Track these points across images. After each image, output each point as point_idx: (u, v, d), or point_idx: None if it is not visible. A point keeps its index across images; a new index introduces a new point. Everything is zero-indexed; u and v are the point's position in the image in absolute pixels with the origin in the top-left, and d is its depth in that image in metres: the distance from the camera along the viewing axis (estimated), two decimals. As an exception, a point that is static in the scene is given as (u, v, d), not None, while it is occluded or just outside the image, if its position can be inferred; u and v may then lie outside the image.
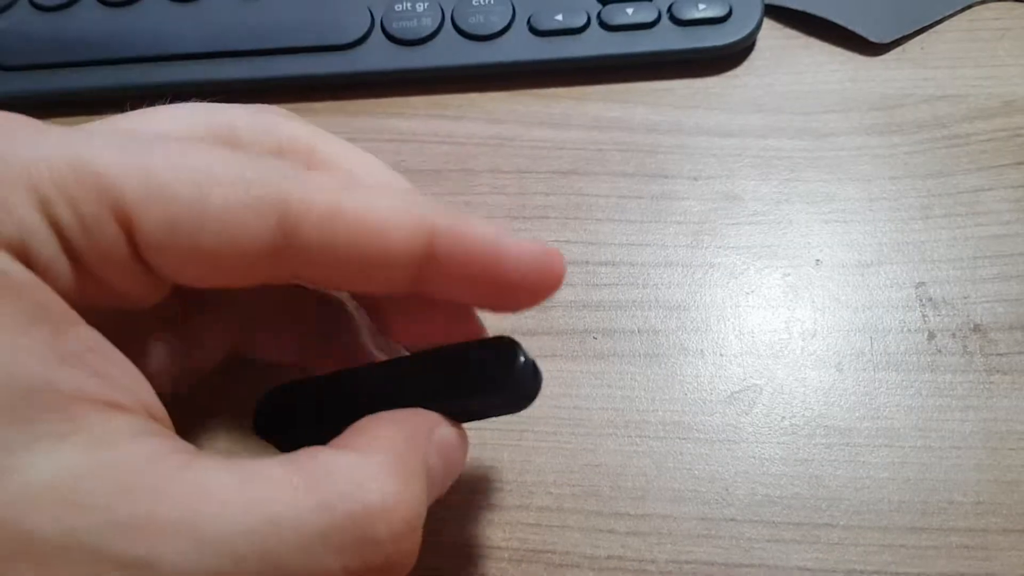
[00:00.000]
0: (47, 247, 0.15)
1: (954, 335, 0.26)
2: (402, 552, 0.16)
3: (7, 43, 0.33)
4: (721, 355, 0.26)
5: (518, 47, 0.32)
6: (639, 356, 0.26)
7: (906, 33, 0.32)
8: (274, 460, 0.16)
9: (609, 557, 0.23)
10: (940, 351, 0.26)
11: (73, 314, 0.15)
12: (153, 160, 0.16)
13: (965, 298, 0.26)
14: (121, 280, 0.16)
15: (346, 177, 0.20)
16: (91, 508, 0.13)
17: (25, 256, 0.15)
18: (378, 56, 0.32)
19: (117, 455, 0.14)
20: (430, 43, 0.32)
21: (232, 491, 0.14)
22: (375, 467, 0.16)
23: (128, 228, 0.16)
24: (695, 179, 0.29)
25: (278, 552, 0.14)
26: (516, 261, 0.18)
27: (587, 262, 0.28)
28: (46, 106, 0.32)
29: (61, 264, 0.15)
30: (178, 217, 0.16)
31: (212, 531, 0.14)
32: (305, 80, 0.32)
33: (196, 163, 0.16)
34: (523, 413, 0.25)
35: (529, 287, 0.18)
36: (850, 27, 0.32)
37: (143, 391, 0.16)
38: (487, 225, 0.18)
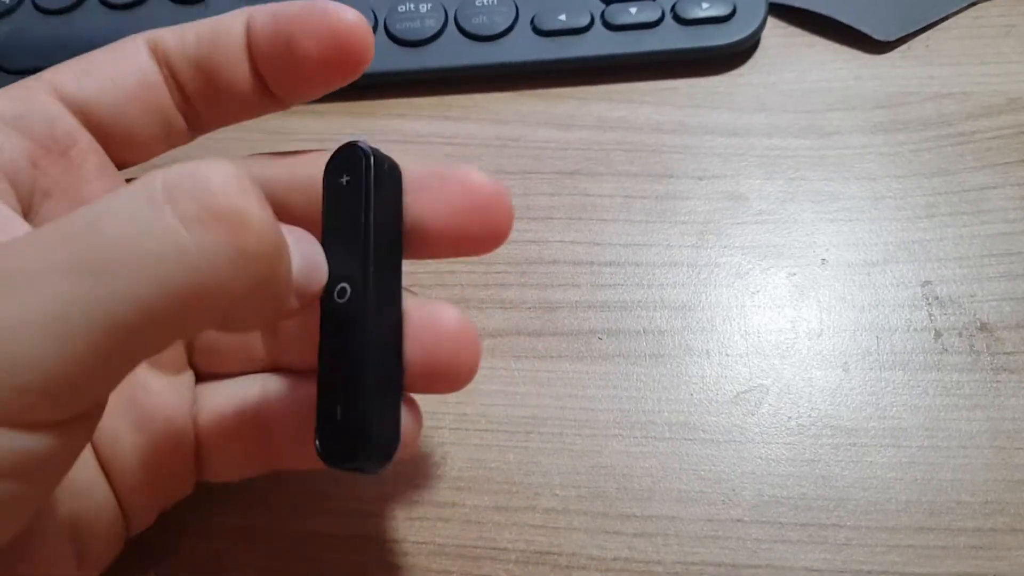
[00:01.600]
0: None
1: (961, 334, 0.26)
2: (240, 214, 0.14)
3: (10, 46, 0.33)
4: (727, 355, 0.26)
5: (522, 47, 0.32)
6: (644, 357, 0.26)
7: (911, 31, 0.32)
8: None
9: (616, 559, 0.23)
10: (947, 350, 0.25)
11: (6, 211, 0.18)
12: (65, 63, 0.21)
13: (972, 297, 0.26)
14: (63, 138, 0.20)
15: None
16: None
17: None
18: (381, 56, 0.32)
19: None
20: (433, 44, 0.32)
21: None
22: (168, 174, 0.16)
23: (55, 90, 0.20)
24: (700, 179, 0.29)
25: (103, 239, 0.14)
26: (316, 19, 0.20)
27: (592, 262, 0.28)
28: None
29: (6, 136, 0.19)
30: (83, 68, 0.21)
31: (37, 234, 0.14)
32: (308, 82, 0.32)
33: (96, 51, 0.22)
34: (527, 414, 0.25)
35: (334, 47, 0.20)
36: (855, 25, 0.32)
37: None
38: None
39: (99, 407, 0.16)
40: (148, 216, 0.14)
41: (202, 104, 0.21)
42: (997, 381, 0.25)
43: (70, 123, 0.20)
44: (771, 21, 0.33)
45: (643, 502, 0.24)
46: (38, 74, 0.21)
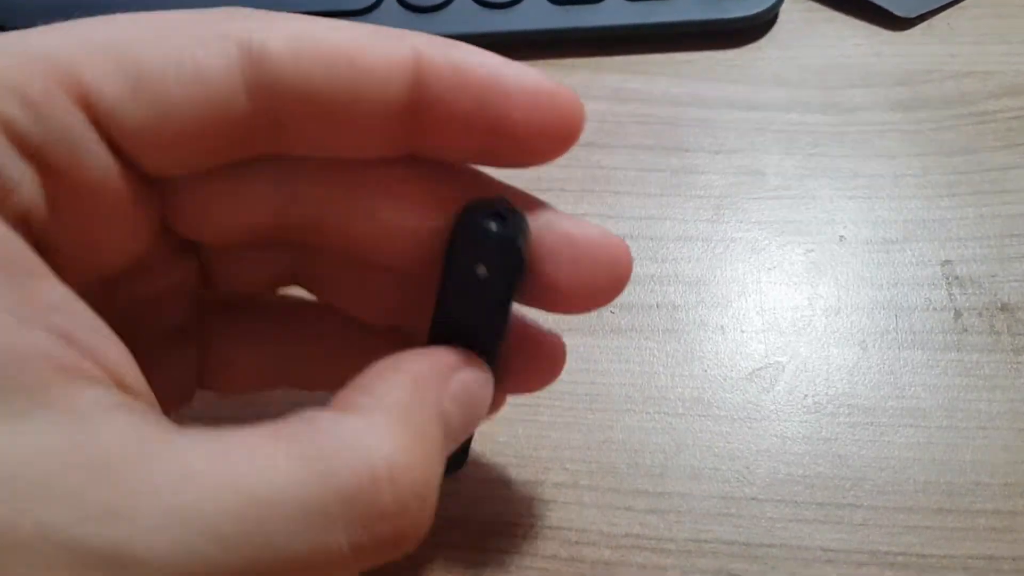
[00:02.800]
0: (3, 156, 0.13)
1: (981, 314, 0.25)
2: (413, 520, 0.14)
3: (11, 7, 0.32)
4: (742, 331, 0.25)
5: (535, 15, 0.31)
6: (658, 331, 0.25)
7: (932, 8, 0.31)
8: (266, 428, 0.14)
9: (627, 535, 0.22)
10: (966, 330, 0.25)
11: (40, 266, 0.13)
12: (98, 29, 0.14)
13: (992, 277, 0.26)
14: (91, 177, 0.14)
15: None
16: (62, 496, 0.12)
17: None
18: (390, 22, 0.31)
19: (88, 434, 0.12)
20: (445, 10, 0.31)
21: (218, 469, 0.13)
22: (379, 429, 0.14)
23: (86, 100, 0.14)
24: (716, 152, 0.29)
25: (272, 532, 0.13)
26: (521, 91, 0.16)
27: (605, 235, 0.27)
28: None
29: (18, 168, 0.13)
30: (136, 71, 0.14)
31: (197, 515, 0.12)
32: (316, 46, 0.31)
33: (147, 21, 0.15)
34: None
35: (539, 129, 0.16)
36: (875, 1, 0.31)
37: (117, 357, 0.14)
38: (483, 52, 0.16)
39: None
40: (318, 537, 0.13)
41: (299, 143, 0.16)
42: (1018, 362, 0.24)
43: (99, 152, 0.15)
44: (790, -5, 0.32)
45: (655, 478, 0.23)
46: (56, 40, 0.14)
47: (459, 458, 0.20)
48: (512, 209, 0.17)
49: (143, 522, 0.12)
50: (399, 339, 0.20)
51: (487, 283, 0.17)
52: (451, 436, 0.16)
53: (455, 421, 0.16)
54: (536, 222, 0.17)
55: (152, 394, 0.15)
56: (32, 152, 0.14)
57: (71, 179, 0.14)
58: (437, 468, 0.15)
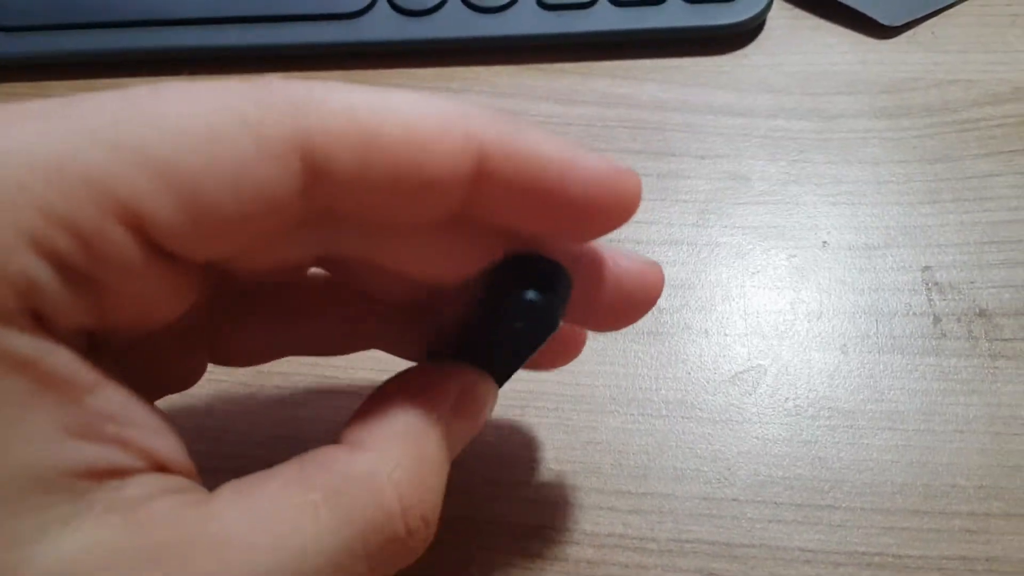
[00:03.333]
0: (50, 287, 0.13)
1: (959, 319, 0.26)
2: (422, 539, 0.16)
3: (7, 4, 0.32)
4: (725, 335, 0.26)
5: (525, 20, 0.31)
6: (643, 334, 0.26)
7: (917, 17, 0.32)
8: (288, 476, 0.15)
9: (610, 535, 0.23)
10: (945, 335, 0.25)
11: (88, 376, 0.13)
12: (146, 137, 0.13)
13: (971, 283, 0.26)
14: (143, 285, 0.14)
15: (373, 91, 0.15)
16: None
17: (28, 307, 0.13)
18: (383, 26, 0.32)
19: (132, 525, 0.13)
20: (436, 14, 0.32)
21: (256, 534, 0.14)
22: (389, 463, 0.16)
23: (138, 225, 0.13)
24: (702, 158, 0.29)
25: None
26: (584, 182, 0.15)
27: (592, 239, 0.28)
28: (45, 68, 0.31)
29: (67, 297, 0.13)
30: (190, 193, 0.13)
31: None
32: (308, 48, 0.32)
33: (194, 125, 0.13)
34: (524, 388, 0.25)
35: (597, 213, 0.16)
36: (861, 9, 0.32)
37: (165, 446, 0.15)
38: (548, 139, 0.15)
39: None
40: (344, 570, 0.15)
41: (354, 224, 0.16)
42: (995, 367, 0.25)
43: (153, 280, 0.14)
44: (777, 3, 0.32)
45: (638, 479, 0.24)
46: (100, 151, 0.13)
47: None
48: (554, 266, 0.17)
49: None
50: (413, 310, 0.20)
51: (521, 334, 0.18)
52: (454, 450, 0.18)
53: (458, 434, 0.18)
54: (579, 250, 0.18)
55: (190, 463, 0.16)
56: (82, 279, 0.13)
57: (123, 295, 0.14)
58: (440, 486, 0.17)
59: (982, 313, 0.26)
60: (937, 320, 0.26)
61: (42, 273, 0.13)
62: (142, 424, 0.14)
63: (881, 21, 0.32)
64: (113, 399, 0.14)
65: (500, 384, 0.19)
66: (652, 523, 0.23)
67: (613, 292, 0.18)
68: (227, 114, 0.13)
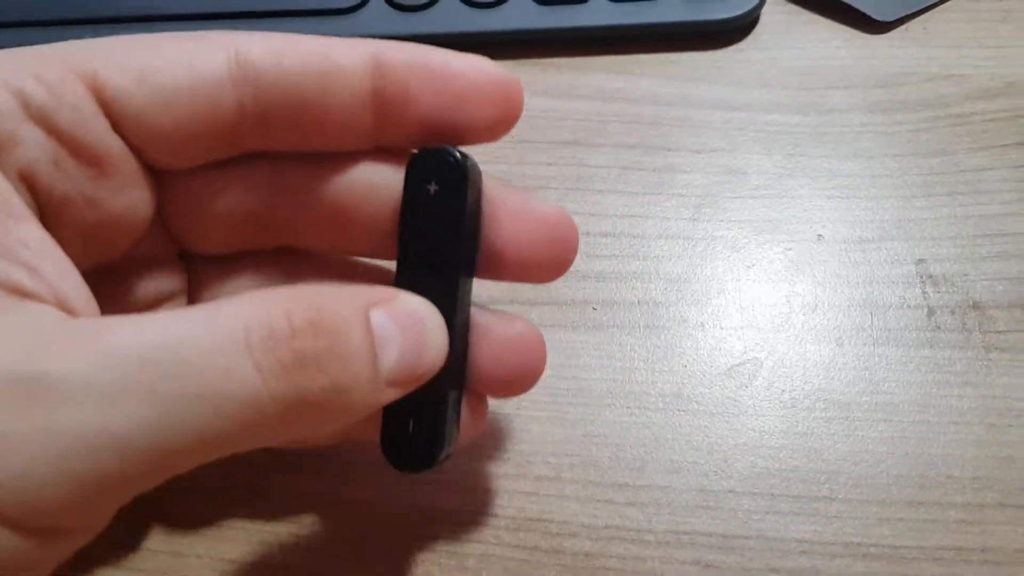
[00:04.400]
0: (11, 118, 0.16)
1: (953, 312, 0.26)
2: (310, 344, 0.15)
3: (14, 8, 0.32)
4: (721, 328, 0.26)
5: (521, 15, 0.31)
6: (639, 327, 0.26)
7: (910, 12, 0.32)
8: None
9: (607, 527, 0.23)
10: (939, 327, 0.26)
11: (25, 211, 0.16)
12: (110, 40, 0.18)
13: (965, 276, 0.26)
14: (98, 152, 0.17)
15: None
16: None
17: None
18: (377, 21, 0.32)
19: (19, 315, 0.15)
20: (431, 9, 0.32)
21: (130, 324, 0.15)
22: (285, 290, 0.16)
23: (95, 85, 0.17)
24: (698, 152, 0.29)
25: (173, 378, 0.14)
26: (468, 72, 0.18)
27: (588, 233, 0.28)
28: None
29: (26, 128, 0.16)
30: (139, 67, 0.17)
31: (113, 346, 0.14)
32: (303, 43, 0.32)
33: (154, 38, 0.18)
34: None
35: (488, 107, 0.19)
36: (855, 5, 0.32)
37: (73, 291, 0.16)
38: (434, 48, 0.19)
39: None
40: (231, 362, 0.15)
41: (278, 132, 0.19)
42: (988, 359, 0.25)
43: (103, 128, 0.17)
44: (772, -2, 0.32)
45: (635, 471, 0.24)
46: (77, 48, 0.17)
47: (438, 440, 0.20)
48: (460, 151, 0.19)
49: (65, 354, 0.14)
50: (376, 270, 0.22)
51: (438, 198, 0.19)
52: (390, 349, 0.17)
53: (390, 333, 0.17)
54: (491, 192, 0.20)
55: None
56: (41, 118, 0.16)
57: (76, 147, 0.17)
58: (335, 312, 0.16)
59: (976, 305, 0.26)
60: (931, 313, 0.26)
61: (7, 103, 0.16)
62: (59, 267, 0.16)
63: (875, 16, 0.32)
64: (37, 235, 0.16)
65: (469, 273, 0.20)
66: (649, 515, 0.23)
67: (526, 228, 0.20)
68: (176, 34, 0.18)
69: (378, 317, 0.17)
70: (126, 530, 0.23)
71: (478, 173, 0.19)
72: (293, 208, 0.20)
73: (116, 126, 0.17)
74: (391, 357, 0.17)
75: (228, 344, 0.15)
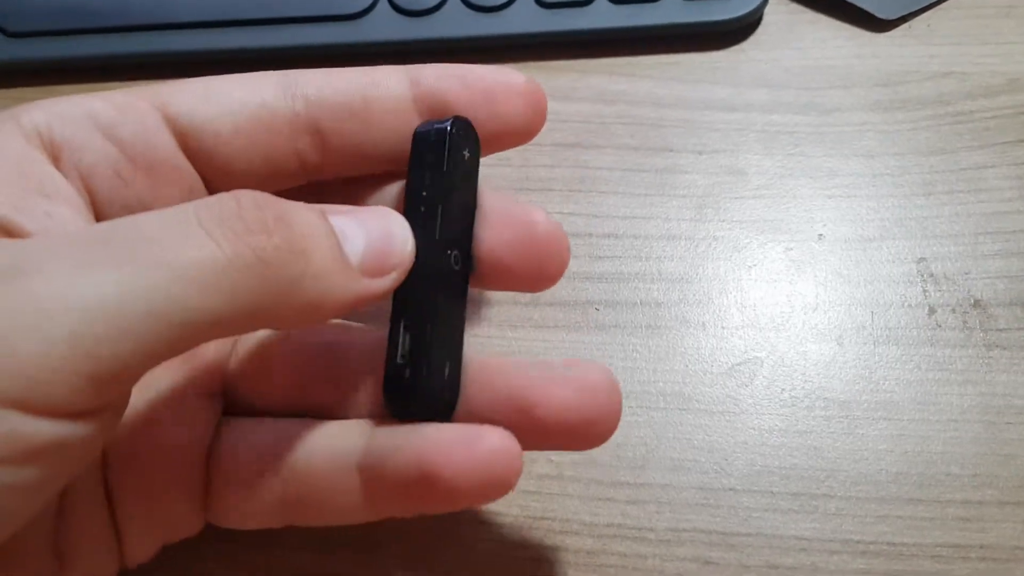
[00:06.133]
0: (78, 126, 0.18)
1: (954, 310, 0.26)
2: (256, 220, 0.16)
3: (12, 9, 0.32)
4: (722, 328, 0.26)
5: (523, 19, 0.32)
6: (641, 328, 0.26)
7: (912, 10, 0.32)
8: None
9: (608, 525, 0.23)
10: (940, 326, 0.26)
11: (69, 197, 0.18)
12: (176, 81, 0.20)
13: (966, 274, 0.27)
14: (161, 168, 0.19)
15: None
16: None
17: (49, 138, 0.18)
18: (384, 26, 0.32)
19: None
20: (436, 14, 0.32)
21: (98, 225, 0.16)
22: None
23: (161, 106, 0.19)
24: (699, 153, 0.29)
25: (143, 240, 0.15)
26: (495, 75, 0.21)
27: (590, 234, 0.28)
28: (51, 73, 0.32)
29: (94, 138, 0.18)
30: (202, 88, 0.19)
31: (80, 251, 0.15)
32: (311, 50, 0.32)
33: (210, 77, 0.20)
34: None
35: (518, 106, 0.21)
36: (857, 3, 0.32)
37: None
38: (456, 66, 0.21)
39: (125, 398, 0.17)
40: (184, 229, 0.15)
41: (335, 157, 0.20)
42: (989, 357, 0.25)
43: (166, 141, 0.19)
44: (773, -2, 0.33)
45: (636, 470, 0.24)
46: (151, 87, 0.20)
47: (443, 394, 0.20)
48: (461, 118, 0.20)
49: (39, 241, 0.16)
50: None
51: (436, 164, 0.20)
52: (354, 239, 0.17)
53: (350, 226, 0.18)
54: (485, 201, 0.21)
55: None
56: (106, 129, 0.19)
57: (142, 160, 0.19)
58: (302, 213, 0.17)
59: (977, 304, 0.26)
60: (932, 311, 0.26)
61: (79, 118, 0.19)
62: (33, 202, 0.17)
63: (877, 15, 0.32)
64: (67, 215, 0.18)
65: (465, 254, 0.20)
66: (650, 513, 0.23)
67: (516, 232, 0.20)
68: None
69: (336, 219, 0.17)
70: None
71: (473, 141, 0.21)
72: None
73: (181, 141, 0.19)
74: (357, 244, 0.17)
75: (181, 218, 0.15)
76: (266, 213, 0.16)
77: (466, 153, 0.20)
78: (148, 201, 0.19)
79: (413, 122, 0.20)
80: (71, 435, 0.14)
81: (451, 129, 0.20)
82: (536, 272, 0.20)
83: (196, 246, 0.15)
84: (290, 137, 0.20)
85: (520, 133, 0.21)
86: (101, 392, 0.14)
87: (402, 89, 0.20)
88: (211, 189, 0.20)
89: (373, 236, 0.18)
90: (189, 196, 0.20)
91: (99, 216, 0.19)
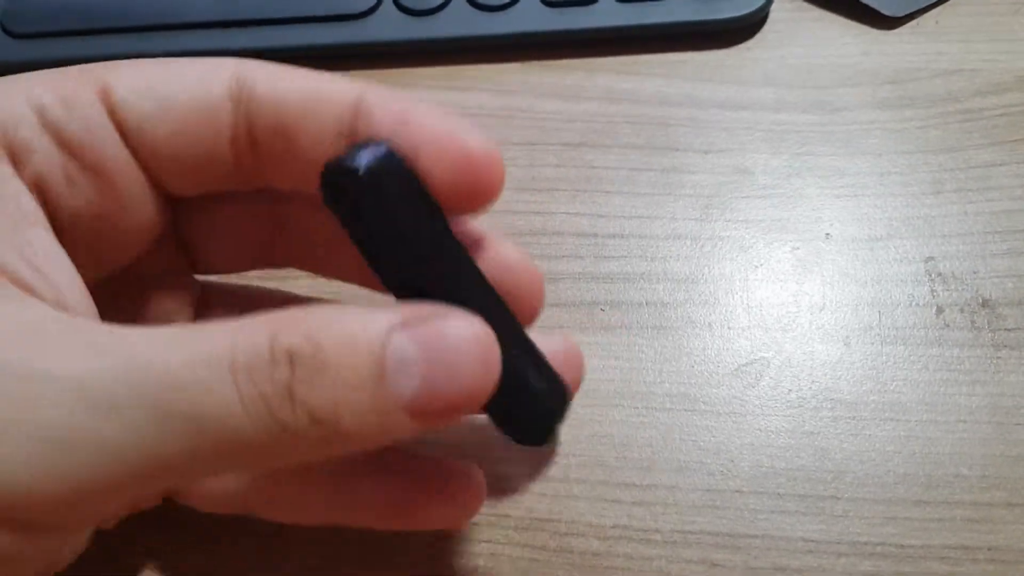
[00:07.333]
0: (29, 127, 0.17)
1: (962, 310, 0.26)
2: (285, 368, 0.14)
3: (16, 10, 0.33)
4: (729, 328, 0.26)
5: (529, 17, 0.32)
6: (647, 328, 0.26)
7: (921, 7, 0.32)
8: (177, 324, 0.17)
9: (615, 526, 0.23)
10: (948, 326, 0.26)
11: (37, 215, 0.17)
12: (124, 62, 0.18)
13: (974, 273, 0.26)
14: (109, 167, 0.18)
15: None
16: None
17: (7, 141, 0.17)
18: (388, 26, 0.32)
19: (19, 308, 0.15)
20: (440, 13, 0.32)
21: (114, 342, 0.15)
22: (282, 314, 0.15)
23: (104, 93, 0.18)
24: (706, 152, 0.29)
25: (162, 391, 0.14)
26: (443, 127, 0.17)
27: (596, 234, 0.28)
28: (56, 74, 0.32)
29: (41, 140, 0.17)
30: (149, 77, 0.18)
31: (93, 382, 0.14)
32: (315, 50, 0.32)
33: (173, 59, 0.19)
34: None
35: (451, 171, 0.17)
36: (864, 0, 0.32)
37: (73, 295, 0.17)
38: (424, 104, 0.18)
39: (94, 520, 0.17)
40: (215, 384, 0.14)
41: (270, 163, 0.19)
42: (998, 357, 0.25)
43: (111, 138, 0.18)
44: (780, -5, 0.32)
45: (642, 471, 0.24)
46: (98, 65, 0.18)
47: (541, 424, 0.21)
48: (358, 144, 0.17)
49: (58, 353, 0.14)
50: None
51: (357, 206, 0.17)
52: (408, 374, 0.15)
53: (410, 355, 0.15)
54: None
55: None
56: (55, 131, 0.17)
57: (85, 159, 0.18)
58: (344, 358, 0.15)
59: (985, 303, 0.26)
60: (940, 311, 0.26)
61: (26, 115, 0.17)
62: (63, 271, 0.17)
63: (884, 12, 0.32)
64: (44, 239, 0.17)
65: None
66: (656, 515, 0.23)
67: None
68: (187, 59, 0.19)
69: (399, 339, 0.15)
70: None
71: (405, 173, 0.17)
72: (297, 241, 0.21)
73: (124, 136, 0.18)
74: (410, 383, 0.15)
75: (213, 365, 0.14)
76: (300, 373, 0.14)
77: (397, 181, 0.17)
78: (95, 205, 0.18)
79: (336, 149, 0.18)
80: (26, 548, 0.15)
81: (363, 175, 0.16)
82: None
83: (223, 405, 0.14)
84: (232, 152, 0.18)
85: (455, 202, 0.18)
86: (83, 514, 0.15)
87: (343, 112, 0.18)
88: (153, 182, 0.19)
89: (432, 371, 0.15)
90: (136, 201, 0.18)
91: (51, 219, 0.18)
